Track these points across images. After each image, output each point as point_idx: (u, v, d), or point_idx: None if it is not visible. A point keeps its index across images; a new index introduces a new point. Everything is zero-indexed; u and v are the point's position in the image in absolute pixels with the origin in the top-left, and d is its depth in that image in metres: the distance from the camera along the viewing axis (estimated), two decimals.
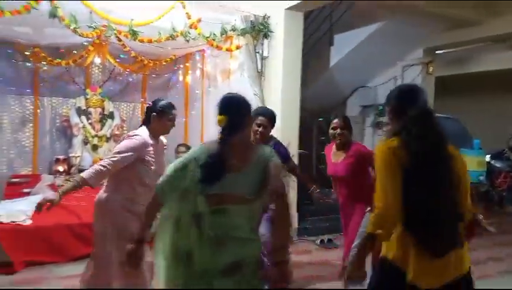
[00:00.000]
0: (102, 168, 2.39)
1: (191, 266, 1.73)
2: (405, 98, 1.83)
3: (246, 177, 1.76)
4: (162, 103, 2.62)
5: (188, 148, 4.79)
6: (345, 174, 2.93)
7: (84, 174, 2.40)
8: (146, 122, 2.63)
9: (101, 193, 2.61)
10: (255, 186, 1.75)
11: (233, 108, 1.81)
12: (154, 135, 2.61)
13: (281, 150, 2.94)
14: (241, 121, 1.80)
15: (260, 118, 2.89)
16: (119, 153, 2.44)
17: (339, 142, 2.99)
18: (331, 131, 3.02)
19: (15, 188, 5.09)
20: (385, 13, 5.45)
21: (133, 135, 2.53)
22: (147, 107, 2.69)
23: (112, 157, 2.44)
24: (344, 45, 6.20)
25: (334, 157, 3.05)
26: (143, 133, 2.55)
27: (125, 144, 2.49)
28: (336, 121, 3.00)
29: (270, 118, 2.96)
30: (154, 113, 2.58)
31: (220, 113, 1.78)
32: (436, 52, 6.25)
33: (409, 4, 4.99)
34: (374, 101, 6.66)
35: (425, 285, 1.57)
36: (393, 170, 1.59)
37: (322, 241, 4.77)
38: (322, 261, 4.14)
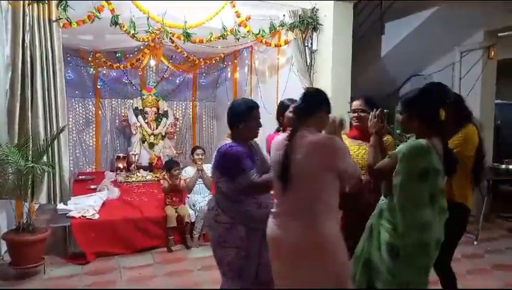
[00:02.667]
0: None
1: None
2: None
3: None
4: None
5: (204, 151, 4.78)
6: None
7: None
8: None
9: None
10: None
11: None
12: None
13: None
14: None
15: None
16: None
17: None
18: (288, 114, 2.75)
19: (82, 185, 5.47)
20: None
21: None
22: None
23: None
24: (396, 33, 5.98)
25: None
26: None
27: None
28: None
29: None
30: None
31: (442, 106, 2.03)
32: (499, 34, 5.83)
33: None
34: None
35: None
36: None
37: None
38: None
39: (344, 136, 2.97)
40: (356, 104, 2.69)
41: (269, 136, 2.97)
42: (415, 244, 1.95)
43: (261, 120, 2.43)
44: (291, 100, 2.80)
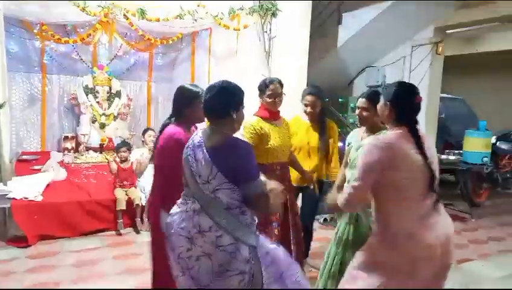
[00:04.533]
0: None
1: None
2: None
3: None
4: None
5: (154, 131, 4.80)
6: None
7: None
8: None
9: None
10: None
11: None
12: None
13: None
14: None
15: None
16: None
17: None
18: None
19: (25, 165, 5.16)
20: None
21: None
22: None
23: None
24: (352, 24, 6.13)
25: None
26: None
27: None
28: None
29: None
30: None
31: None
32: (447, 31, 6.15)
33: None
34: (382, 81, 6.62)
35: None
36: None
37: (325, 219, 4.86)
38: (324, 238, 4.20)
39: (259, 119, 2.82)
40: (276, 88, 2.88)
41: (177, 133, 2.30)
42: None
43: None
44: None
